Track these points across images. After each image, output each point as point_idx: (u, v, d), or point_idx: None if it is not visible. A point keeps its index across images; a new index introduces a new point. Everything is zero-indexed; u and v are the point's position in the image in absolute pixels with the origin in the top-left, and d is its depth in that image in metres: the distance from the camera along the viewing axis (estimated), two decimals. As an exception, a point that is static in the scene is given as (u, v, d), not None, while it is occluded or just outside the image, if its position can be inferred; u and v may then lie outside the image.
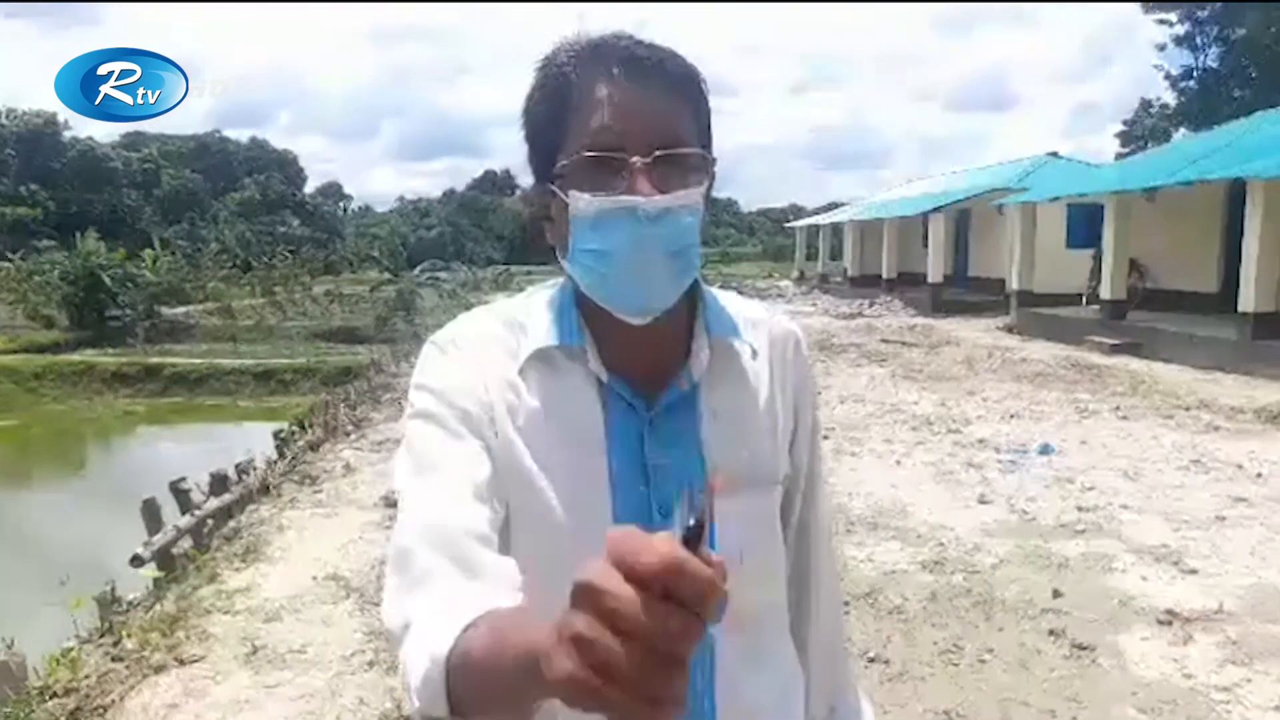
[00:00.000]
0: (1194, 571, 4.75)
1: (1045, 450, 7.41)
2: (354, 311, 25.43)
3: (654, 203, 0.91)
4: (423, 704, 0.76)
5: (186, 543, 5.67)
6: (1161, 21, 34.10)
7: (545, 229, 1.03)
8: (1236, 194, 12.61)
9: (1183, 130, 31.93)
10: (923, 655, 3.88)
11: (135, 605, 4.73)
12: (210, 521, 6.06)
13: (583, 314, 1.02)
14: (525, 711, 0.69)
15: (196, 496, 6.24)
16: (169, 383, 17.37)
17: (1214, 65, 33.87)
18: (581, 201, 0.94)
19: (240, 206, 53.78)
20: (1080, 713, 3.44)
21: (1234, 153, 13.39)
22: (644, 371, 1.01)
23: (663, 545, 0.54)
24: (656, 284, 0.95)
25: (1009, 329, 16.85)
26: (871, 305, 22.28)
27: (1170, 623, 4.13)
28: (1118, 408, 9.29)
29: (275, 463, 7.61)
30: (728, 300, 1.10)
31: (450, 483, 0.93)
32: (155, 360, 18.29)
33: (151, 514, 5.61)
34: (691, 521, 0.55)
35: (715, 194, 1.03)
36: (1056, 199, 16.76)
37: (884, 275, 25.03)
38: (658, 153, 0.93)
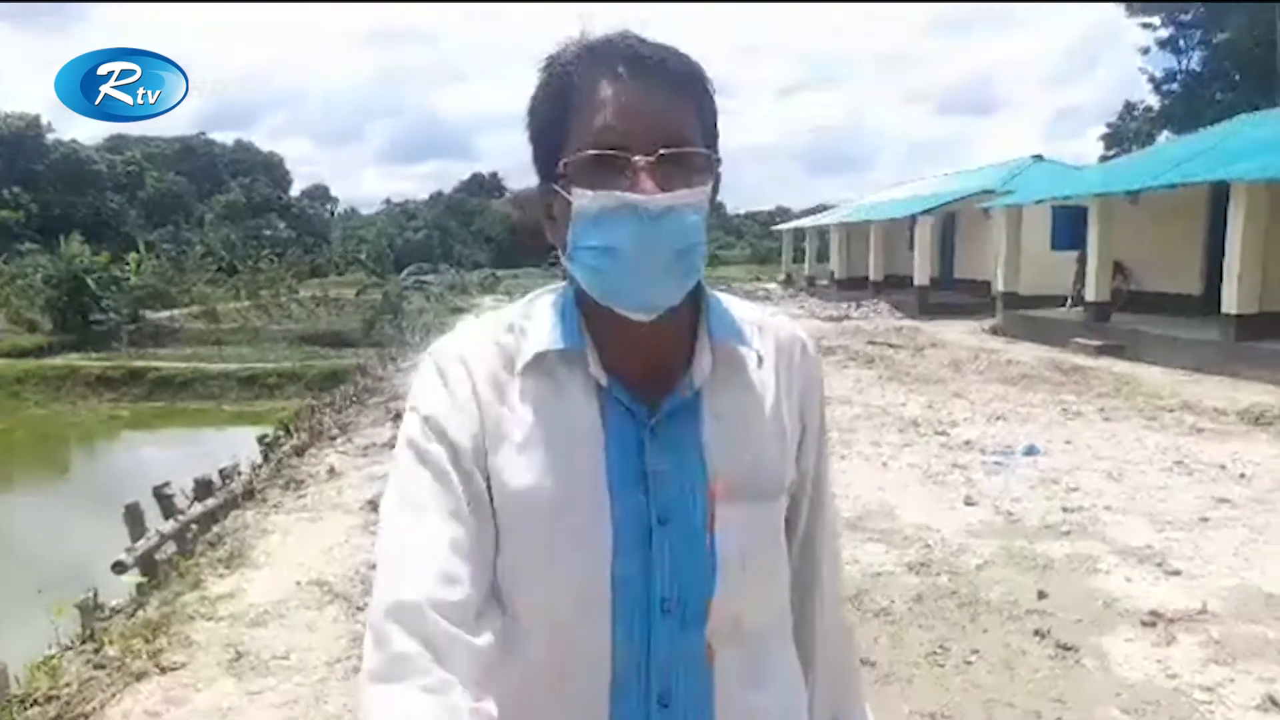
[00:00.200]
0: (1177, 572, 4.78)
1: (1030, 452, 7.44)
2: (340, 315, 25.39)
3: (656, 201, 0.91)
4: None
5: (170, 548, 5.63)
6: (1145, 25, 34.37)
7: (548, 229, 1.02)
8: (1219, 196, 12.70)
9: (1166, 133, 32.15)
10: (909, 657, 3.88)
11: (118, 612, 4.69)
12: (194, 527, 6.02)
13: (584, 317, 1.01)
14: None
15: (180, 501, 6.21)
16: (153, 387, 17.28)
17: (1197, 68, 34.15)
18: (584, 198, 0.93)
19: (225, 209, 53.53)
20: (1065, 714, 3.45)
21: (1217, 155, 13.50)
22: (645, 375, 1.00)
23: None
24: (659, 281, 0.94)
25: (995, 331, 16.93)
26: (858, 307, 22.34)
27: (1154, 623, 4.15)
28: (1102, 409, 9.34)
29: (260, 467, 7.57)
30: (733, 304, 1.08)
31: (431, 545, 0.93)
32: (139, 364, 18.20)
33: (134, 519, 5.57)
34: None
35: None
36: (1041, 201, 16.86)
37: (871, 278, 25.12)
38: (661, 151, 0.92)
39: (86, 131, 54.27)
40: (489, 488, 0.99)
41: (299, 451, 8.17)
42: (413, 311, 23.13)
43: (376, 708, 0.85)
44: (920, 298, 21.15)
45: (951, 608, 4.40)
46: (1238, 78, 32.18)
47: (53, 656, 3.96)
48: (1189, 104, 32.42)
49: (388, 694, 0.86)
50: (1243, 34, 30.73)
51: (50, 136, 48.80)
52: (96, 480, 11.93)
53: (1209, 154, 13.92)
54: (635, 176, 0.91)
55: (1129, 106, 37.55)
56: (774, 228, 42.79)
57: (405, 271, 30.77)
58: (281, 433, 9.02)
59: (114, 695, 3.47)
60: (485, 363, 1.01)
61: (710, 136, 0.99)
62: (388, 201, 72.22)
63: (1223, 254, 12.12)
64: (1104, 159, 30.17)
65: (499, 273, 38.38)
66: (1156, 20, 33.83)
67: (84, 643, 4.12)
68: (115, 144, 54.91)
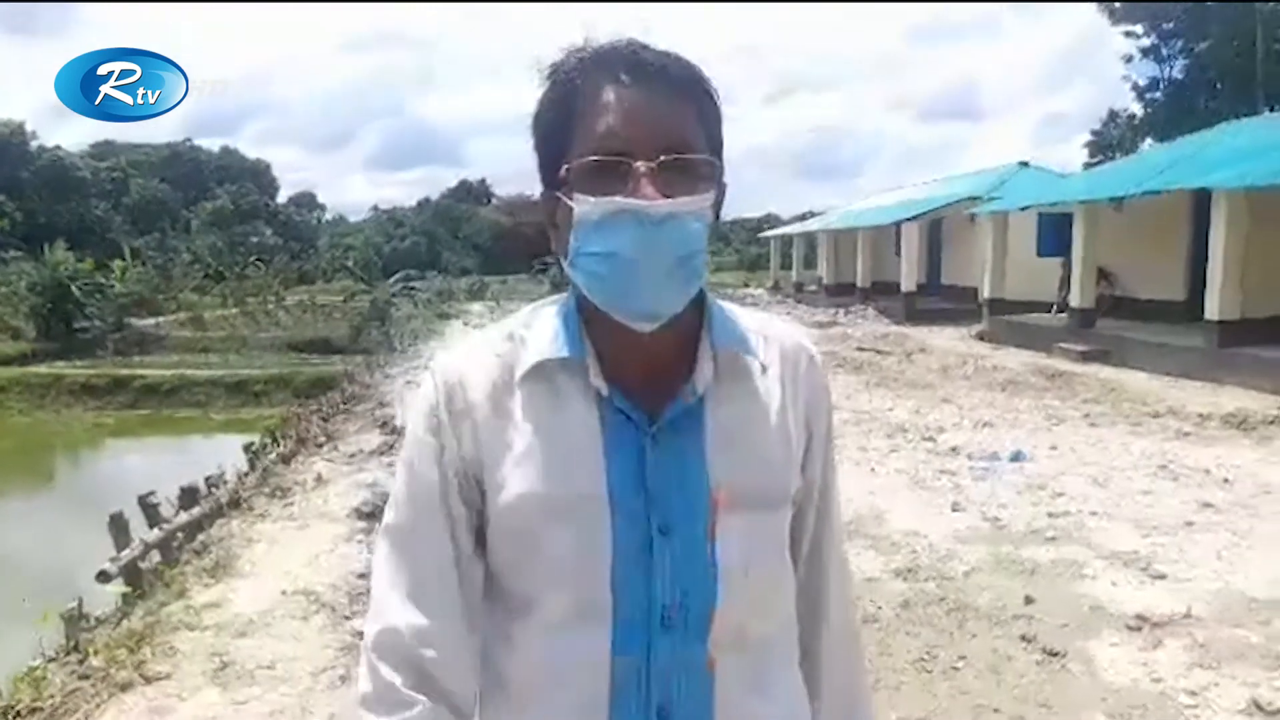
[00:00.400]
0: (1162, 577, 4.81)
1: (1017, 457, 7.47)
2: (328, 322, 25.27)
3: (657, 207, 0.91)
4: None
5: (155, 558, 5.59)
6: (1128, 34, 34.67)
7: (551, 236, 1.02)
8: (1202, 203, 12.81)
9: (1149, 140, 32.42)
10: (896, 664, 3.89)
11: (103, 622, 4.66)
12: (180, 536, 5.98)
13: (585, 325, 1.01)
14: None
15: (166, 510, 6.16)
16: (139, 394, 17.16)
17: (1179, 76, 34.44)
18: (586, 204, 0.93)
19: (212, 216, 53.30)
20: (1051, 718, 3.46)
21: (1199, 163, 13.61)
22: (647, 384, 1.00)
23: None
24: (660, 289, 0.94)
25: (981, 337, 17.01)
26: (846, 313, 22.39)
27: (1139, 628, 4.17)
28: (1087, 415, 9.39)
29: (246, 475, 7.53)
30: (738, 313, 1.08)
31: (419, 576, 1.00)
32: (125, 372, 18.07)
33: (119, 529, 5.53)
34: None
35: None
36: (1027, 208, 16.95)
37: (858, 284, 25.18)
38: (663, 158, 0.92)
39: (71, 138, 54.07)
40: (484, 501, 1.01)
41: (286, 459, 8.13)
42: (400, 318, 23.08)
43: None
44: (907, 304, 21.23)
45: (939, 614, 4.41)
46: (1219, 85, 32.48)
47: (37, 667, 3.92)
48: (1172, 111, 32.69)
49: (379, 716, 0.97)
50: (1224, 42, 31.03)
51: (34, 143, 48.55)
52: (81, 489, 11.84)
53: (1190, 161, 14.03)
54: (637, 183, 0.91)
55: (1113, 114, 37.85)
56: (762, 234, 42.87)
57: (393, 278, 30.71)
58: (268, 440, 8.97)
59: (99, 706, 3.45)
60: (484, 375, 1.02)
61: (714, 143, 0.99)
62: (375, 208, 72.10)
63: (1205, 261, 12.22)
64: (1088, 166, 30.36)
65: (487, 279, 38.31)
66: (1139, 29, 34.13)
67: (69, 653, 4.08)
68: (100, 150, 54.66)
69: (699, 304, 1.02)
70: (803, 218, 40.97)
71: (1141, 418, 9.17)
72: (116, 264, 26.53)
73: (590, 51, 0.97)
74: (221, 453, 8.57)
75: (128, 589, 5.04)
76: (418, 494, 1.02)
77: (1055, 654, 3.94)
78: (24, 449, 14.66)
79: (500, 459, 0.99)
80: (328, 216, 72.76)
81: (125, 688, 3.56)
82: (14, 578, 6.51)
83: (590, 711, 0.98)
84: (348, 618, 4.21)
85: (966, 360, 13.75)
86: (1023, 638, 4.11)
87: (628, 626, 0.97)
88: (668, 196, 0.92)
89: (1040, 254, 17.12)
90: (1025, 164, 23.70)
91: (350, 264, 37.79)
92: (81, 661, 3.88)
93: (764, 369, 1.05)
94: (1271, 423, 8.61)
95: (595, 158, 0.93)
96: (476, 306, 27.92)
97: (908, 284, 21.62)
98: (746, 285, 35.74)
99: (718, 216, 1.02)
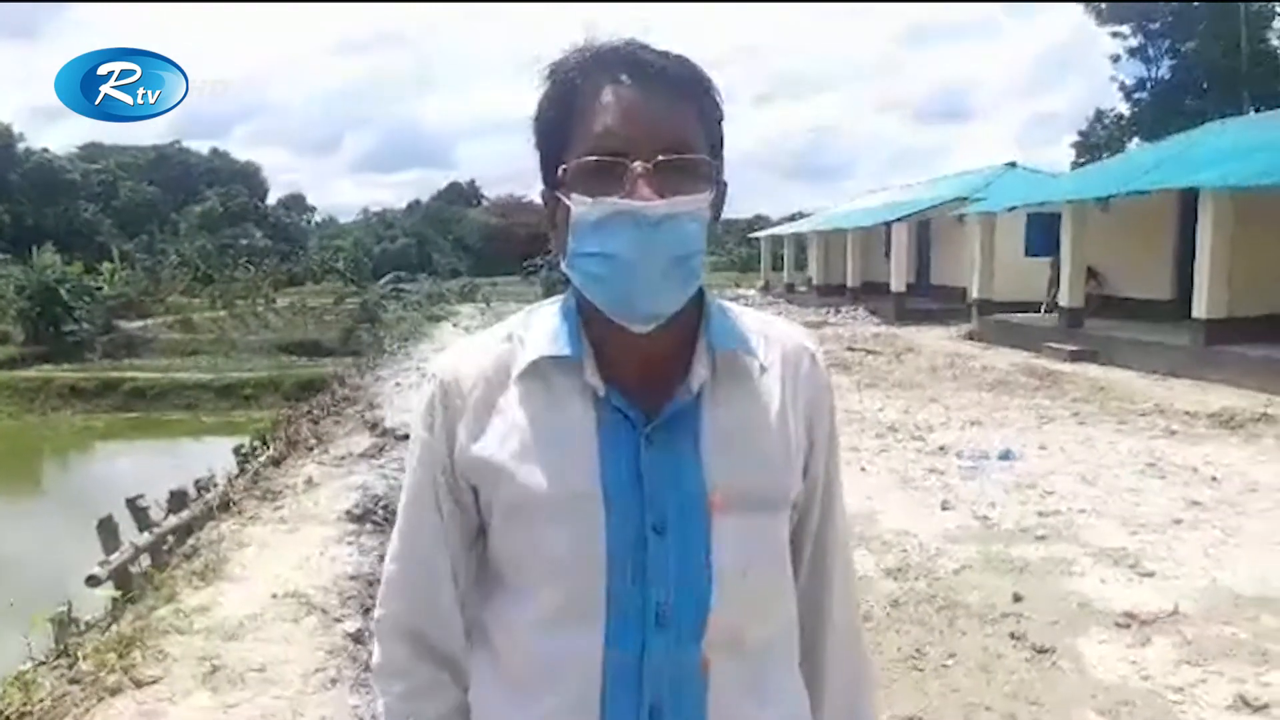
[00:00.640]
0: (1151, 574, 4.84)
1: (1006, 456, 7.50)
2: (318, 324, 25.20)
3: (653, 208, 0.91)
4: None
5: (145, 561, 5.58)
6: (1115, 34, 34.85)
7: (551, 236, 1.03)
8: (1189, 203, 12.88)
9: (1136, 140, 32.57)
10: (886, 661, 3.90)
11: (92, 626, 4.64)
12: (170, 539, 5.97)
13: (584, 325, 1.01)
14: None
15: (155, 514, 6.15)
16: (128, 397, 17.10)
17: (1166, 76, 34.61)
18: (582, 206, 0.94)
19: (201, 219, 53.04)
20: (1041, 715, 3.48)
21: (1186, 162, 13.68)
22: (644, 383, 1.00)
23: None
24: (657, 289, 0.94)
25: (970, 336, 17.06)
26: (836, 314, 22.44)
27: (1128, 625, 4.20)
28: (1076, 413, 9.44)
29: (236, 478, 7.51)
30: (740, 313, 1.08)
31: (421, 569, 1.08)
32: (113, 375, 18.00)
33: (109, 532, 5.51)
34: None
35: None
36: (1015, 208, 17.02)
37: (848, 284, 25.23)
38: (660, 158, 0.92)
39: (59, 140, 53.80)
40: (479, 497, 1.04)
41: (276, 462, 8.11)
42: (391, 320, 23.04)
43: (379, 706, 1.11)
44: (897, 304, 21.28)
45: (929, 612, 4.43)
46: (1205, 85, 32.67)
47: (26, 672, 3.90)
48: (1158, 111, 32.85)
49: (385, 696, 1.10)
50: (1210, 42, 31.23)
51: (21, 146, 48.27)
52: (70, 492, 11.79)
53: (1177, 161, 14.11)
54: (633, 183, 0.92)
55: (1100, 114, 37.99)
56: (752, 235, 42.91)
57: (383, 280, 30.67)
58: (258, 443, 8.95)
59: (88, 710, 3.43)
60: (481, 374, 1.03)
61: (714, 144, 0.99)
62: (365, 210, 71.81)
63: (1192, 260, 12.29)
64: (1076, 166, 30.51)
65: (478, 281, 38.23)
66: (1126, 29, 34.31)
67: (58, 657, 4.07)
68: (89, 153, 54.37)
69: (698, 303, 1.02)
70: (793, 219, 41.02)
71: (1129, 416, 9.22)
72: (105, 266, 26.46)
73: (590, 51, 0.98)
74: (211, 456, 8.55)
75: (117, 593, 5.02)
76: (415, 493, 1.07)
77: (1044, 651, 3.96)
78: (12, 452, 14.59)
79: (496, 456, 1.00)
80: (317, 218, 72.53)
81: (115, 692, 3.55)
82: (2, 582, 6.48)
83: (582, 707, 0.99)
84: (338, 620, 4.20)
85: (955, 360, 13.79)
86: (1012, 635, 4.13)
87: (621, 624, 0.97)
88: (665, 197, 0.92)
89: (1028, 254, 17.22)
90: (1013, 164, 23.78)
91: (340, 266, 37.67)
92: (71, 666, 3.86)
93: (763, 369, 1.04)
94: (1258, 420, 8.67)
95: (593, 158, 0.94)
96: (467, 308, 27.86)
97: (897, 284, 21.68)
98: (737, 286, 35.74)
99: (718, 216, 1.02)
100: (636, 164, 0.92)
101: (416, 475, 1.07)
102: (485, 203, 69.52)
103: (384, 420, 9.51)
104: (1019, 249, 17.45)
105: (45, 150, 49.88)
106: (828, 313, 22.76)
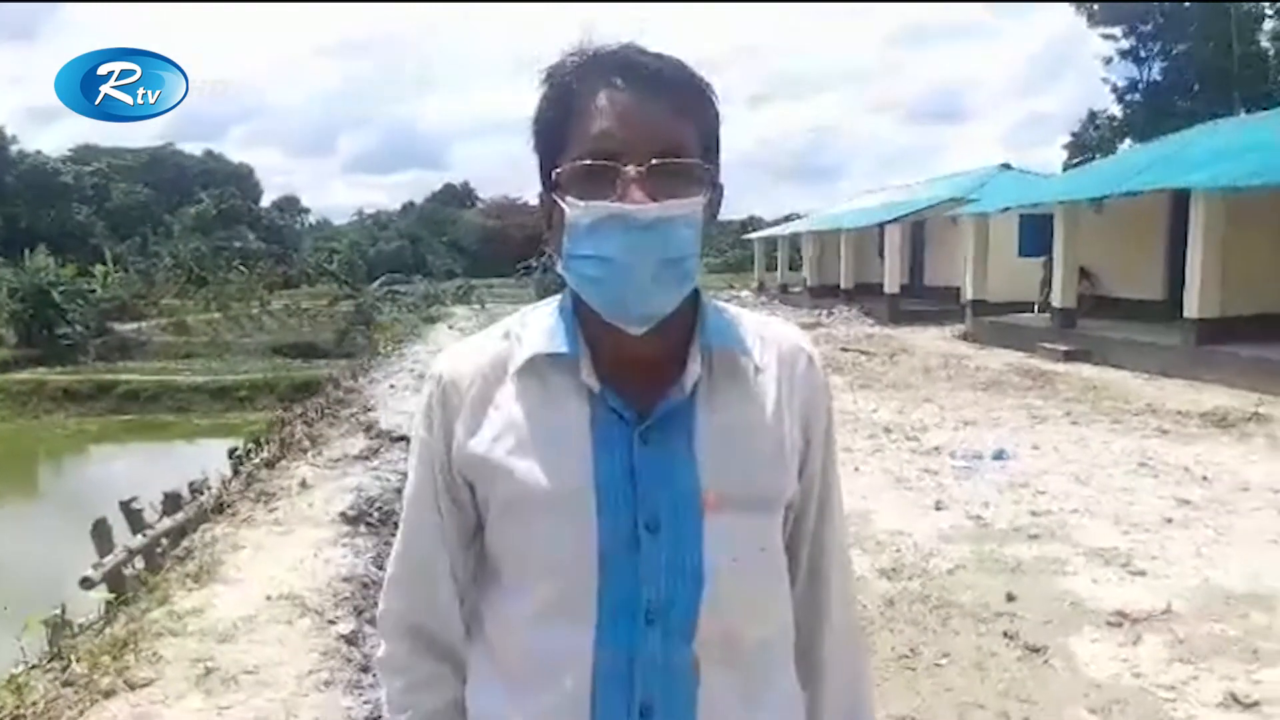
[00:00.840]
0: (1142, 573, 4.86)
1: (999, 456, 7.53)
2: (312, 326, 25.17)
3: (645, 211, 0.92)
4: None
5: (139, 564, 5.57)
6: (1106, 36, 34.95)
7: (548, 237, 1.04)
8: (1180, 203, 12.93)
9: (1128, 141, 32.67)
10: (880, 661, 3.91)
11: (86, 628, 4.63)
12: (164, 541, 5.96)
13: (579, 324, 1.02)
14: None
15: (149, 516, 6.14)
16: (121, 400, 17.06)
17: (1157, 78, 34.72)
18: (575, 209, 0.95)
19: (195, 221, 52.89)
20: (1034, 714, 3.50)
21: (1177, 163, 13.74)
22: (640, 383, 1.01)
23: None
24: (649, 292, 0.95)
25: (964, 337, 17.11)
26: (830, 315, 22.47)
27: (1120, 623, 4.22)
28: (1069, 413, 9.47)
29: (230, 480, 7.50)
30: (736, 314, 1.09)
31: (422, 566, 1.11)
32: (107, 377, 17.97)
33: (102, 535, 5.50)
34: None
35: None
36: (1008, 209, 17.07)
37: (842, 285, 25.26)
38: (654, 161, 0.93)
39: (51, 142, 53.63)
40: (475, 494, 1.05)
41: (270, 464, 8.09)
42: (386, 322, 23.01)
43: (383, 696, 1.15)
44: (891, 305, 21.32)
45: (923, 612, 4.44)
46: (1196, 87, 32.79)
47: (19, 675, 3.90)
48: (1150, 112, 32.97)
49: (388, 687, 1.13)
50: (1201, 44, 31.37)
51: (14, 148, 48.12)
52: (64, 495, 11.77)
53: (1169, 162, 14.17)
54: (626, 187, 0.93)
55: (1092, 115, 38.08)
56: (746, 236, 42.93)
57: (378, 281, 30.61)
58: (252, 445, 8.94)
59: (82, 713, 3.42)
60: (479, 372, 1.04)
61: (709, 146, 1.00)
62: (360, 212, 71.65)
63: (1184, 260, 12.34)
64: (1068, 167, 30.58)
65: (473, 282, 38.18)
66: (1118, 31, 34.42)
67: (51, 660, 4.06)
68: (82, 155, 54.17)
69: (693, 304, 1.03)
70: (787, 219, 41.07)
71: (1122, 416, 9.26)
72: (98, 269, 26.36)
73: (587, 54, 0.98)
74: (205, 458, 8.53)
75: (111, 595, 5.01)
76: (416, 491, 1.10)
77: (1037, 650, 3.98)
78: (6, 455, 14.55)
79: (492, 452, 1.01)
80: (312, 220, 72.37)
81: (108, 694, 3.55)
82: (-4, 585, 6.46)
83: (573, 703, 0.99)
84: (332, 622, 4.20)
85: (949, 361, 13.83)
86: (1005, 634, 4.15)
87: (612, 622, 0.98)
88: (659, 200, 0.92)
89: (1021, 254, 17.26)
90: (1006, 165, 23.86)
91: (334, 268, 37.57)
92: (64, 668, 3.86)
93: (759, 369, 1.05)
94: (1250, 420, 8.71)
95: (586, 161, 0.95)
96: (462, 310, 27.84)
97: (891, 285, 21.73)
98: (731, 287, 35.77)
99: (714, 218, 1.03)
100: (630, 168, 0.93)
101: (417, 473, 1.09)
102: (480, 204, 69.46)
103: (379, 422, 9.50)
104: (1012, 250, 17.50)
105: (38, 153, 49.81)
106: (821, 314, 22.79)
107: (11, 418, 16.44)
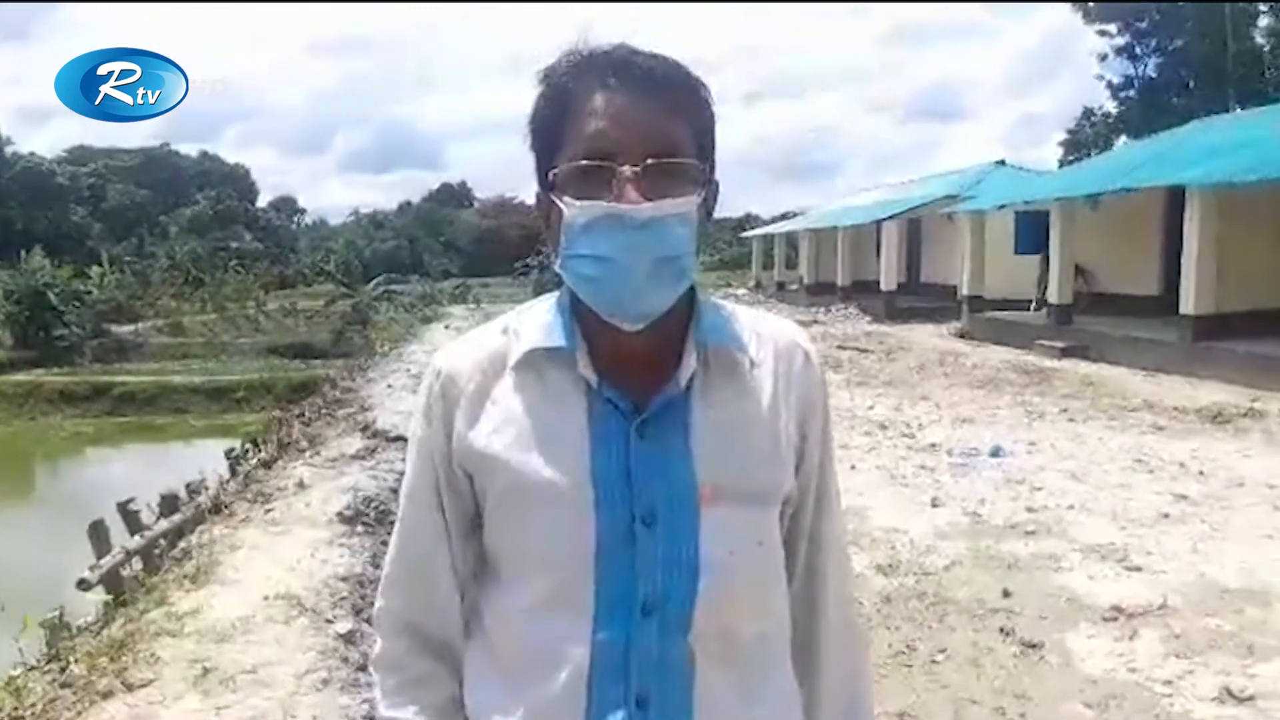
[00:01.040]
0: (1138, 568, 4.87)
1: (996, 453, 7.54)
2: (309, 326, 25.17)
3: (639, 211, 0.93)
4: None
5: (137, 565, 5.56)
6: (1102, 33, 35.03)
7: (546, 236, 1.05)
8: (1176, 200, 12.96)
9: (1124, 138, 32.71)
10: (877, 657, 3.92)
11: (84, 630, 4.63)
12: (161, 542, 5.95)
13: (577, 319, 1.03)
14: None
15: (146, 517, 6.13)
16: (118, 402, 17.06)
17: (1152, 75, 34.81)
18: (572, 209, 0.96)
19: (191, 221, 52.81)
20: (1030, 709, 3.51)
21: (1173, 160, 13.78)
22: (637, 378, 1.01)
23: None
24: (644, 290, 0.96)
25: (961, 334, 17.13)
26: (827, 312, 22.50)
27: (1115, 619, 4.23)
28: (1066, 410, 9.49)
29: (227, 481, 7.50)
30: (733, 311, 1.10)
31: (421, 561, 1.11)
32: (104, 379, 17.97)
33: (99, 536, 5.50)
34: None
35: None
36: (1004, 206, 17.09)
37: (839, 283, 25.28)
38: (649, 161, 0.94)
39: (46, 143, 53.56)
40: (474, 486, 1.06)
41: (267, 465, 8.09)
42: (382, 322, 23.00)
43: (377, 693, 1.12)
44: (887, 302, 21.35)
45: (919, 608, 4.45)
46: (1191, 83, 32.88)
47: (17, 676, 3.90)
48: (1145, 109, 33.04)
49: (383, 685, 1.11)
50: (1196, 41, 31.43)
51: (9, 149, 48.03)
52: (62, 497, 11.76)
53: (1164, 159, 14.21)
54: (621, 187, 0.93)
55: (1088, 112, 38.16)
56: (743, 234, 42.95)
57: (374, 282, 30.58)
58: (250, 446, 8.94)
59: (79, 714, 3.43)
60: (477, 366, 1.05)
61: (704, 146, 1.01)
62: (356, 212, 71.54)
63: (1180, 256, 12.36)
64: (1064, 164, 30.64)
65: (469, 282, 38.16)
66: (1113, 28, 34.48)
67: (49, 662, 4.06)
68: (77, 156, 54.08)
69: (690, 301, 1.04)
70: (784, 217, 41.08)
71: (1119, 412, 9.28)
72: (94, 270, 26.31)
73: (582, 55, 0.99)
74: (203, 459, 8.53)
75: (109, 597, 5.01)
76: (415, 485, 1.10)
77: (1033, 646, 3.99)
78: (3, 458, 14.55)
79: (490, 445, 1.02)
80: (308, 220, 72.26)
81: (106, 695, 3.55)
82: (-7, 587, 6.46)
83: (570, 695, 1.00)
84: (330, 621, 4.20)
85: (946, 358, 13.85)
86: (1001, 630, 4.16)
87: (609, 613, 0.99)
88: (653, 199, 0.93)
89: (1018, 252, 17.28)
90: (1002, 162, 23.88)
91: (331, 268, 37.50)
92: (63, 670, 3.86)
93: (754, 365, 1.06)
94: (1245, 415, 8.74)
95: (581, 162, 0.96)
96: (459, 309, 27.83)
97: (888, 283, 21.75)
98: (729, 285, 35.79)
99: (709, 216, 1.04)
100: (625, 168, 0.94)
101: (416, 467, 1.09)
102: (477, 204, 69.42)
103: (376, 422, 9.50)
104: (1009, 247, 17.52)
105: (32, 154, 49.69)
106: (819, 311, 22.81)
107: (8, 420, 16.42)
